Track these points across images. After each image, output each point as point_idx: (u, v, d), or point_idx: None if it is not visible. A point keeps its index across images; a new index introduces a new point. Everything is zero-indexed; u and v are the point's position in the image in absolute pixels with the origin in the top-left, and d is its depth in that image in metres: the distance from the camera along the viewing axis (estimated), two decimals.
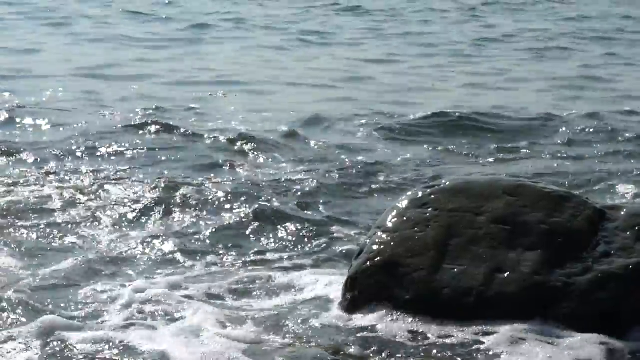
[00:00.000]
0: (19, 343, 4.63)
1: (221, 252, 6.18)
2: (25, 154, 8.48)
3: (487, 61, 15.26)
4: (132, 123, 9.80)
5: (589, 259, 5.20)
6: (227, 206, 7.06)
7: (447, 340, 4.85)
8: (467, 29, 19.26)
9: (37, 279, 5.52)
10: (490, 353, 4.69)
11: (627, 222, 5.39)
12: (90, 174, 7.83)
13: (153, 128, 9.52)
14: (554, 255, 5.19)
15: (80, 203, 6.98)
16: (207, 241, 6.37)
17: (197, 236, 6.44)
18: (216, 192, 7.28)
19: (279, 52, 15.91)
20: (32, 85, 12.21)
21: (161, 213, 6.86)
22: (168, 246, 6.21)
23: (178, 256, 6.06)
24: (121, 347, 4.64)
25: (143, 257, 6.05)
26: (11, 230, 6.38)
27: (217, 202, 7.13)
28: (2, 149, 8.55)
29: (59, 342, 4.64)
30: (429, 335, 4.89)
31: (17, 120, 9.95)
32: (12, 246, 6.06)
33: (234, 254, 6.15)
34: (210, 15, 20.67)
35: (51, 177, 7.67)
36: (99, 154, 8.59)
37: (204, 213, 6.93)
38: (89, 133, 9.33)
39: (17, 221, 6.53)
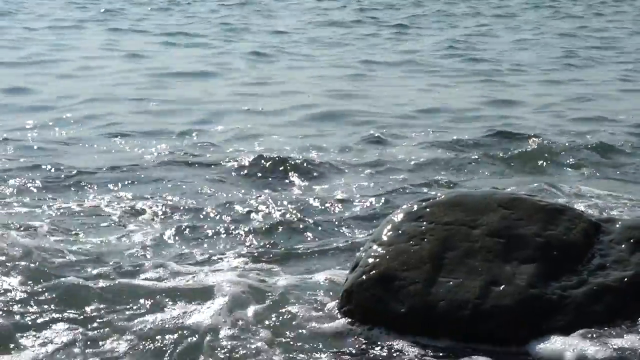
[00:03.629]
0: None
1: (224, 256, 6.27)
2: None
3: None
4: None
5: (584, 272, 5.21)
6: (231, 213, 7.17)
7: (442, 355, 4.84)
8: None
9: None
10: None
11: (622, 235, 5.41)
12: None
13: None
14: (549, 268, 5.20)
15: None
16: (213, 245, 6.48)
17: (202, 241, 6.56)
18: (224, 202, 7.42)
19: None
20: None
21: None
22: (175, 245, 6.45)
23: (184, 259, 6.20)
24: None
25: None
26: None
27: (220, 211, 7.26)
28: None
29: None
30: (425, 350, 4.88)
31: None
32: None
33: (237, 258, 6.22)
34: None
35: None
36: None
37: (209, 221, 7.03)
38: None
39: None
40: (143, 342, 4.89)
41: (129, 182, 8.18)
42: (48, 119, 10.90)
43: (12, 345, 4.80)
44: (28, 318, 5.14)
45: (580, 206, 6.72)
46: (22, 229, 6.58)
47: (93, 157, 9.11)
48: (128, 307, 5.32)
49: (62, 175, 8.30)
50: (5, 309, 5.23)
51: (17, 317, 5.15)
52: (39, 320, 5.11)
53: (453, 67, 15.87)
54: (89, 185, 8.05)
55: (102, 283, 5.61)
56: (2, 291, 5.47)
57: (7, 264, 5.82)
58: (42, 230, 6.61)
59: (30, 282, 5.60)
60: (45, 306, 5.29)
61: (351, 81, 14.37)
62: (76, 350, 4.78)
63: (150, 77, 14.34)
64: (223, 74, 14.92)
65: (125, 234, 6.72)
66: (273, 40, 19.05)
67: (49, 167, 8.55)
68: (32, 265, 5.84)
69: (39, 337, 4.90)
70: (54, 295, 5.41)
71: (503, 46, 18.50)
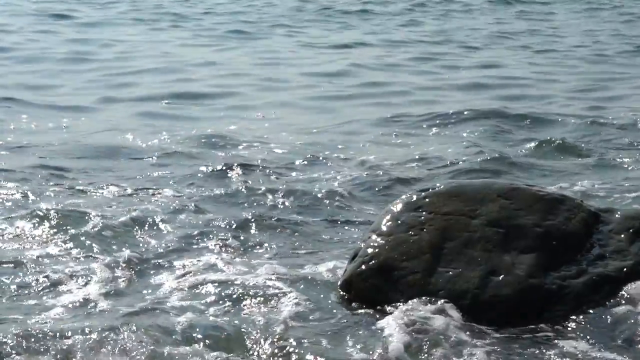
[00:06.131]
0: None
1: (227, 247, 6.26)
2: None
3: None
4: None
5: (584, 262, 5.21)
6: (232, 207, 7.16)
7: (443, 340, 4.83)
8: None
9: None
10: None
11: (621, 225, 5.41)
12: None
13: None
14: (548, 258, 5.19)
15: None
16: (213, 237, 6.45)
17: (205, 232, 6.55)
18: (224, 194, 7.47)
19: None
20: None
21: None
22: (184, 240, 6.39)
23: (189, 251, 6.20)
24: None
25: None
26: None
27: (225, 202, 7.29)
28: None
29: None
30: (422, 338, 4.86)
31: None
32: None
33: (238, 250, 6.21)
34: None
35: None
36: None
37: (214, 213, 6.99)
38: None
39: None
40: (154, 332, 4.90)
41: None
42: None
43: None
44: None
45: (579, 196, 6.71)
46: None
47: None
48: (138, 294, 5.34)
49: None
50: None
51: None
52: None
53: None
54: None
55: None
56: None
57: None
58: None
59: None
60: None
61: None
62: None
63: None
64: None
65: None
66: None
67: None
68: None
69: None
70: None
71: None
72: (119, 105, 11.67)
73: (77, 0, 22.62)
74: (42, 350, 4.62)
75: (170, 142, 9.41)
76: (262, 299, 5.31)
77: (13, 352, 4.59)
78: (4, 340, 4.66)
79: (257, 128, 10.33)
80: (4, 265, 5.77)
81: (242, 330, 4.90)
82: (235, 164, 8.35)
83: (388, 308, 5.07)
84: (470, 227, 5.33)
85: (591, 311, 5.00)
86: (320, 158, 8.82)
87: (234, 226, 6.62)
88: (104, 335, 4.74)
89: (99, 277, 5.62)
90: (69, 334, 4.77)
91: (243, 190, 7.54)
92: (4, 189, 7.43)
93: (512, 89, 13.02)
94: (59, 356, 4.58)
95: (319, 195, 7.43)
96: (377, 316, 5.00)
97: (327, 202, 7.34)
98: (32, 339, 4.70)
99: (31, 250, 6.06)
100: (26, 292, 5.43)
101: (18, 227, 6.47)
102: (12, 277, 5.60)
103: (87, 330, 4.80)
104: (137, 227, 6.54)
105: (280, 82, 13.51)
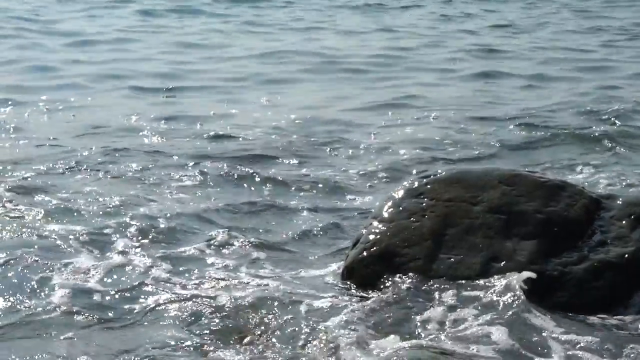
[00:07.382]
0: None
1: (223, 238, 6.23)
2: None
3: None
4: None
5: (585, 248, 5.21)
6: (235, 195, 7.18)
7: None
8: None
9: None
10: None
11: (622, 211, 5.40)
12: None
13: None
14: (550, 245, 5.19)
15: None
16: (220, 223, 6.47)
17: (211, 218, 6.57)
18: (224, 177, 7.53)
19: None
20: None
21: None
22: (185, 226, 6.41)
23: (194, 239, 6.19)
24: None
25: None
26: None
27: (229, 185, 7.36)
28: None
29: None
30: (421, 327, 4.88)
31: None
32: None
33: (240, 236, 6.20)
34: None
35: None
36: None
37: (215, 203, 6.99)
38: None
39: None
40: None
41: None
42: None
43: None
44: None
45: (580, 182, 6.71)
46: None
47: None
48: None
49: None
50: None
51: None
52: None
53: None
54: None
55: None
56: None
57: None
58: None
59: None
60: None
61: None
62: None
63: None
64: None
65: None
66: None
67: None
68: None
69: None
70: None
71: None
72: (120, 92, 11.68)
73: None
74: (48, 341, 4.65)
75: (175, 133, 9.42)
76: (263, 290, 5.33)
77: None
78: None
79: (262, 115, 10.34)
80: (7, 261, 5.74)
81: (244, 324, 4.92)
82: (238, 154, 8.37)
83: (389, 294, 5.08)
84: (471, 214, 5.33)
85: (592, 297, 5.00)
86: (323, 145, 8.83)
87: (236, 215, 6.64)
88: (107, 336, 4.77)
89: (97, 272, 5.63)
90: (78, 332, 4.81)
91: (246, 179, 7.55)
92: (8, 182, 7.45)
93: (516, 78, 13.02)
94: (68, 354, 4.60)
95: (322, 184, 7.44)
96: (378, 302, 5.01)
97: (330, 189, 7.36)
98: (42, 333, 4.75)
99: (32, 243, 6.06)
100: (28, 289, 5.37)
101: (18, 219, 6.48)
102: (16, 272, 5.56)
103: (93, 330, 4.84)
104: (136, 225, 6.42)
105: (282, 73, 13.51)
